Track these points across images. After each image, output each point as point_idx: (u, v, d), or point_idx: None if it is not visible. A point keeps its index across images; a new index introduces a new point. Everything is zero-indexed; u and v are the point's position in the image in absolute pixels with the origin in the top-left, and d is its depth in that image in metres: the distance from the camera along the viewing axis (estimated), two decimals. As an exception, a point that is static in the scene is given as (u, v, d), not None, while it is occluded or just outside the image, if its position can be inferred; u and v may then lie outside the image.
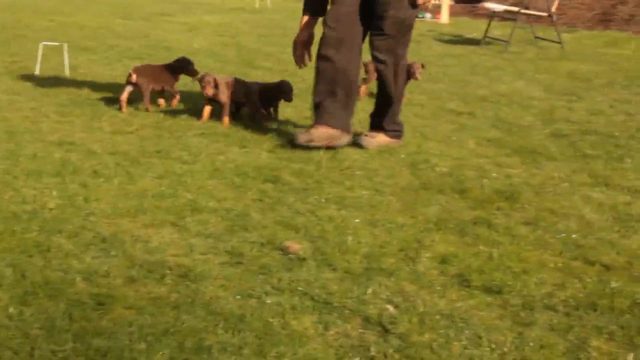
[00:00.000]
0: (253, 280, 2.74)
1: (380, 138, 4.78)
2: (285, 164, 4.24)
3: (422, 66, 5.80)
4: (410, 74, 5.52)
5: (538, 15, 9.86)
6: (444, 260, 3.01)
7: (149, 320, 2.36)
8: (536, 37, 9.98)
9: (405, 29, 4.60)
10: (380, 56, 4.61)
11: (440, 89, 6.72)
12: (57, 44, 6.81)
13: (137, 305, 2.46)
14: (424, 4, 4.57)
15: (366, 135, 4.77)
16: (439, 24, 12.12)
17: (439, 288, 2.77)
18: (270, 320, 2.43)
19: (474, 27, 11.50)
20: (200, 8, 13.83)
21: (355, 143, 4.68)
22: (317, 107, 4.65)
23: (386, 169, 4.24)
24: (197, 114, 5.22)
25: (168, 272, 2.75)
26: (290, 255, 2.98)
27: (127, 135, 4.67)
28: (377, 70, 4.73)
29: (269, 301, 2.56)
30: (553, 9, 9.59)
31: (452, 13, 12.89)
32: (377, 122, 4.84)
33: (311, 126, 4.63)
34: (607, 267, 3.01)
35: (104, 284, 2.62)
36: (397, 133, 4.84)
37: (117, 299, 2.49)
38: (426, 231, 3.34)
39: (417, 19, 12.71)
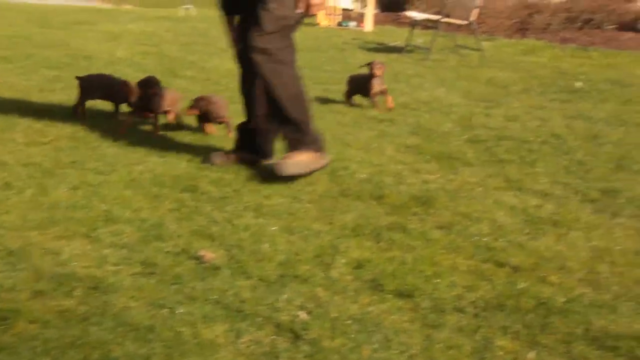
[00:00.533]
0: (166, 290, 2.72)
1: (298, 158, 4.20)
2: (204, 173, 4.21)
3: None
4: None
5: (458, 24, 10.06)
6: (358, 265, 3.05)
7: (55, 334, 2.32)
8: (457, 45, 10.18)
9: (285, 28, 4.10)
10: (254, 53, 4.10)
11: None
12: (-29, 53, 6.64)
13: (42, 319, 2.41)
14: (308, 10, 4.08)
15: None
16: (363, 32, 12.24)
17: (352, 293, 2.79)
18: (181, 329, 2.42)
19: (397, 35, 11.66)
20: (122, 17, 13.65)
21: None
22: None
23: (305, 177, 4.26)
24: (114, 124, 5.15)
25: (78, 284, 2.71)
26: (205, 264, 2.97)
27: (42, 146, 4.57)
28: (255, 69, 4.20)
29: (180, 311, 2.55)
30: (472, 18, 9.80)
31: (376, 21, 13.04)
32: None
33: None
34: (515, 269, 3.09)
35: (9, 298, 2.56)
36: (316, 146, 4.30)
37: (21, 314, 2.43)
38: (342, 237, 3.36)
39: (341, 28, 12.63)
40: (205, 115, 5.18)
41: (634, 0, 13.02)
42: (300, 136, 4.23)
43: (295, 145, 4.22)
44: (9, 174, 3.98)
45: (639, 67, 9.31)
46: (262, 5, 4.05)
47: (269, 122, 4.35)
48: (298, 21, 4.18)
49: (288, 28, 4.14)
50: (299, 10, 4.07)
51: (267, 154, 4.51)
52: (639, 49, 10.57)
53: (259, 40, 4.05)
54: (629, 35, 11.40)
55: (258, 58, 4.08)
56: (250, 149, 4.49)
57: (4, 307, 2.49)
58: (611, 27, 11.88)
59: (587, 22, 11.91)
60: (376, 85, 6.25)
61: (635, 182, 4.40)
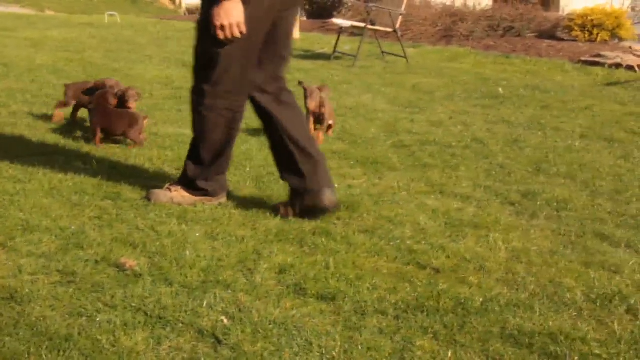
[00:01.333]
0: (85, 299, 2.67)
1: (177, 193, 3.88)
2: (128, 180, 4.16)
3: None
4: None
5: (384, 31, 10.18)
6: (281, 270, 3.05)
7: (-33, 346, 2.26)
8: (383, 52, 10.30)
9: (206, 62, 3.63)
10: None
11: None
12: None
13: (-47, 332, 2.35)
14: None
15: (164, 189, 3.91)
16: (290, 39, 12.29)
17: (274, 298, 2.80)
18: (99, 337, 2.38)
19: (324, 42, 11.73)
20: (44, 23, 13.37)
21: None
22: None
23: (231, 183, 4.24)
24: (36, 133, 5.05)
25: (-8, 295, 2.64)
26: (126, 272, 2.93)
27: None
28: None
29: (99, 319, 2.51)
30: (397, 25, 9.94)
31: (303, 29, 13.09)
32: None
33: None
34: (436, 271, 3.14)
35: None
36: (205, 192, 3.88)
37: None
38: (266, 243, 3.37)
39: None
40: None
41: (552, 9, 13.43)
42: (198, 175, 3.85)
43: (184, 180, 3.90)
44: None
45: (557, 74, 9.58)
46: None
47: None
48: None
49: (209, 61, 3.63)
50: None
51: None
52: (557, 56, 10.88)
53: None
54: (548, 42, 11.73)
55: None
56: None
57: None
58: (531, 34, 12.20)
59: (509, 30, 12.21)
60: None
61: (552, 185, 4.53)
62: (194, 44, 3.70)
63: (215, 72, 3.62)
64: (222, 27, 3.46)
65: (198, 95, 3.71)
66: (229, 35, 3.48)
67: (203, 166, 3.84)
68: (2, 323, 2.43)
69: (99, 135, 4.93)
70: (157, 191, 3.89)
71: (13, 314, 2.51)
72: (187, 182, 3.89)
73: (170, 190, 3.88)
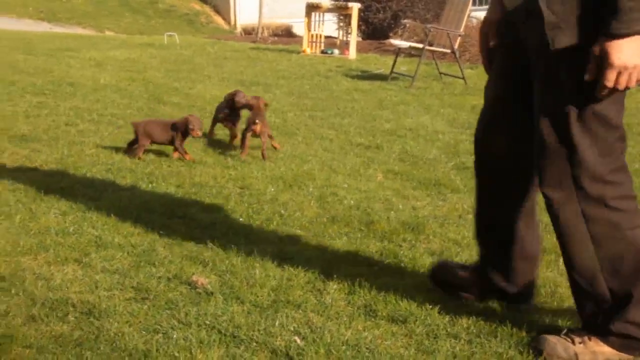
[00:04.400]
0: (159, 315, 2.71)
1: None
2: (193, 199, 4.22)
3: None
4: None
5: (442, 52, 10.16)
6: (351, 291, 3.05)
7: (50, 359, 2.31)
8: (441, 73, 10.27)
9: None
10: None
11: (349, 123, 6.83)
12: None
13: (37, 344, 2.40)
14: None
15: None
16: (346, 59, 12.33)
17: (345, 319, 2.80)
18: (177, 354, 2.41)
19: (381, 63, 11.75)
20: (106, 44, 13.67)
21: None
22: None
23: (295, 203, 4.27)
24: (103, 151, 5.15)
25: (71, 309, 2.70)
26: (198, 290, 2.97)
27: (30, 171, 4.55)
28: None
29: (175, 336, 2.54)
30: (456, 46, 9.91)
31: (359, 49, 13.14)
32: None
33: None
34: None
35: (3, 323, 2.55)
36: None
37: (16, 339, 2.42)
38: (334, 263, 3.37)
39: (325, 55, 12.69)
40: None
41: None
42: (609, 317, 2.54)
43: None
44: (-2, 199, 3.97)
45: None
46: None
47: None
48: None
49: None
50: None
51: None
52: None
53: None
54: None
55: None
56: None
57: (-2, 332, 2.48)
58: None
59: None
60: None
61: None
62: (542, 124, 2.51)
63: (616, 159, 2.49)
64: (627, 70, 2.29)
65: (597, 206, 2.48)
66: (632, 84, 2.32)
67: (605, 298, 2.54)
68: (83, 337, 2.48)
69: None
70: (551, 340, 2.59)
71: (92, 328, 2.56)
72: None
73: (572, 341, 2.57)
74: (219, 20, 23.49)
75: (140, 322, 2.65)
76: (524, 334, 2.72)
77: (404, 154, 5.76)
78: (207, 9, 23.83)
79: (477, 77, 10.54)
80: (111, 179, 4.51)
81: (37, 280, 2.95)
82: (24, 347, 2.38)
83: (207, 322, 2.67)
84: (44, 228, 3.57)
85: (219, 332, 2.61)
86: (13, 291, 2.83)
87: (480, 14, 15.99)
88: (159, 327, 2.62)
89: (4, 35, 13.80)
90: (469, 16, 10.51)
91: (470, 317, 2.84)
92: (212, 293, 2.94)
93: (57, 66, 9.75)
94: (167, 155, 5.20)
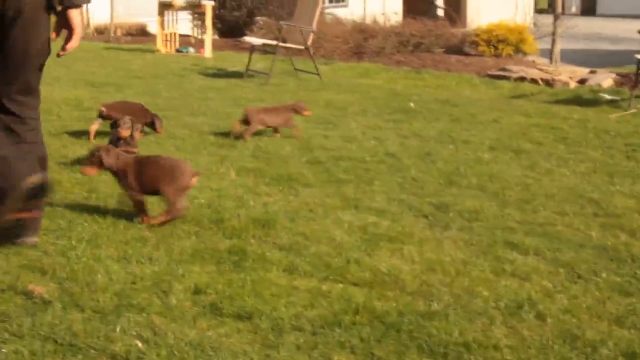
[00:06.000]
0: (-10, 329, 2.58)
1: None
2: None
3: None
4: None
5: (297, 48, 10.23)
6: (197, 291, 3.01)
7: None
8: (296, 69, 10.35)
9: None
10: None
11: (202, 122, 6.75)
12: None
13: None
14: None
15: None
16: (202, 58, 12.21)
17: (190, 319, 2.76)
18: (7, 369, 2.30)
19: (236, 61, 11.70)
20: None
21: None
22: None
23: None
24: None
25: None
26: (35, 299, 2.84)
27: None
28: None
29: (4, 350, 2.42)
30: (309, 42, 10.01)
31: (215, 47, 13.04)
32: None
33: None
34: (353, 285, 3.16)
35: None
36: None
37: None
38: (181, 263, 3.32)
39: (180, 54, 12.45)
40: None
41: (459, 25, 13.81)
42: None
43: None
44: None
45: (466, 88, 9.83)
46: None
47: None
48: None
49: None
50: None
51: None
52: (465, 70, 11.18)
53: None
54: (456, 57, 12.03)
55: None
56: None
57: None
58: (440, 50, 12.49)
59: (418, 45, 12.47)
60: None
61: (464, 196, 4.63)
62: None
63: None
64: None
65: None
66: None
67: None
68: None
69: None
70: None
71: None
72: None
73: None
74: (70, 19, 22.66)
75: (-32, 338, 2.51)
76: (365, 322, 2.78)
77: (257, 151, 5.75)
78: (58, 8, 22.96)
79: (332, 72, 10.72)
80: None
81: None
82: None
83: (43, 333, 2.56)
84: None
85: (55, 342, 2.51)
86: None
87: (335, 10, 16.27)
88: (-12, 341, 2.49)
89: None
90: (322, 13, 10.63)
91: (316, 310, 2.88)
92: (49, 302, 2.82)
93: None
94: None
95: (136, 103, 6.22)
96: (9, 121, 3.41)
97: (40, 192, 3.18)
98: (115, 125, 5.20)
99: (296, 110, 6.35)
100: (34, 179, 3.14)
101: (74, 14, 3.40)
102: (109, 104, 5.99)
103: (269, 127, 6.32)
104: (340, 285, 3.15)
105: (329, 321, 2.77)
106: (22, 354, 2.40)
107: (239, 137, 6.05)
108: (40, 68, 3.52)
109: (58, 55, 3.49)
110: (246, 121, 6.13)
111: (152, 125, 6.01)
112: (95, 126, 5.83)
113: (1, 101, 3.40)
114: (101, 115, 5.78)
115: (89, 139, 5.75)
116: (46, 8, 3.34)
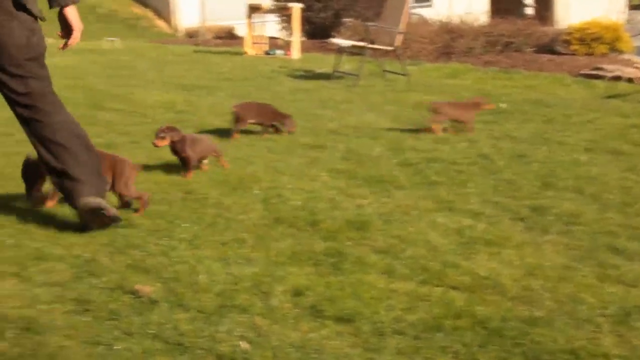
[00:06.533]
0: (101, 327, 2.67)
1: None
2: (136, 205, 4.15)
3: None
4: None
5: (384, 50, 10.21)
6: (297, 292, 3.04)
7: (-12, 378, 2.25)
8: (384, 71, 10.33)
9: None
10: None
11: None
12: None
13: (-26, 364, 2.34)
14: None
15: None
16: (290, 60, 12.32)
17: (292, 321, 2.79)
18: (119, 366, 2.37)
19: (324, 63, 11.76)
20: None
21: None
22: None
23: (239, 206, 4.25)
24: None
25: (9, 325, 2.63)
26: (142, 299, 2.93)
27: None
28: None
29: (117, 347, 2.50)
30: (397, 44, 9.97)
31: (303, 49, 13.15)
32: None
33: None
34: (452, 289, 3.13)
35: (-62, 344, 2.48)
36: None
37: (-48, 358, 2.36)
38: (279, 265, 3.36)
39: (268, 56, 12.59)
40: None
41: (548, 23, 13.50)
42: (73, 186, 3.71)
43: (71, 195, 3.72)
44: None
45: (558, 88, 9.60)
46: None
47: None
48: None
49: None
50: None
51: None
52: (557, 69, 10.92)
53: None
54: (547, 57, 11.77)
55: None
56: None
57: None
58: (530, 49, 12.25)
59: (507, 45, 12.26)
60: None
61: (561, 199, 4.52)
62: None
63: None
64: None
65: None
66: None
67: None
68: (22, 354, 2.42)
69: None
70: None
71: (32, 344, 2.50)
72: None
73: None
74: (160, 24, 23.24)
75: (81, 334, 2.60)
76: (467, 326, 2.75)
77: (348, 152, 5.77)
78: (149, 12, 23.57)
79: (420, 73, 10.65)
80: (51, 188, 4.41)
81: (-26, 296, 2.88)
82: (-40, 366, 2.33)
83: (151, 331, 2.63)
84: (-20, 242, 3.48)
85: (163, 340, 2.57)
86: (-52, 308, 2.76)
87: (422, 10, 16.17)
88: (100, 338, 2.57)
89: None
90: (409, 13, 10.57)
91: (416, 313, 2.86)
92: (156, 301, 2.90)
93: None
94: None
95: (266, 104, 6.56)
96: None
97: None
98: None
99: (479, 106, 6.66)
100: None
101: (69, 12, 3.74)
102: (240, 104, 6.34)
103: (453, 120, 6.60)
104: (439, 289, 3.13)
105: (429, 325, 2.76)
106: (133, 352, 2.47)
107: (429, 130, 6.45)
108: (33, 60, 3.70)
109: (61, 49, 3.86)
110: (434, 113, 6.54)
111: (281, 125, 6.33)
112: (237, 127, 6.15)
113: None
114: (236, 116, 6.11)
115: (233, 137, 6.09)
116: (16, 7, 3.60)
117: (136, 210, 4.08)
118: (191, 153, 4.93)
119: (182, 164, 4.98)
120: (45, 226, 3.74)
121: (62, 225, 3.77)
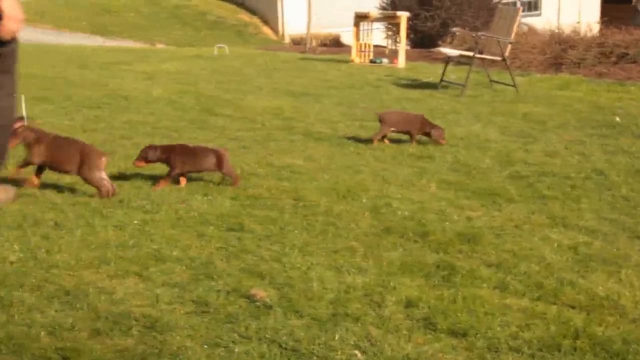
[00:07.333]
0: (220, 329, 2.74)
1: None
2: (248, 211, 4.25)
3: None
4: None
5: (491, 59, 10.07)
6: (409, 304, 3.04)
7: (116, 374, 2.35)
8: (491, 81, 10.18)
9: None
10: None
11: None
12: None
13: (103, 358, 2.44)
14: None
15: None
16: (395, 68, 12.30)
17: (405, 332, 2.79)
18: (239, 369, 2.43)
19: (430, 71, 11.69)
20: (157, 56, 13.86)
21: None
22: None
23: (349, 214, 4.27)
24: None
25: (134, 323, 2.74)
26: (257, 303, 2.99)
27: (88, 185, 4.63)
28: None
29: (237, 350, 2.56)
30: (506, 54, 9.82)
31: (408, 58, 13.10)
32: None
33: None
34: (569, 307, 3.06)
35: (69, 337, 2.60)
36: None
37: (82, 353, 2.47)
38: (390, 275, 3.36)
39: (374, 64, 12.58)
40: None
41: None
42: None
43: None
44: (59, 213, 4.05)
45: (676, 101, 9.22)
46: None
47: None
48: None
49: None
50: None
51: None
52: (675, 82, 10.48)
53: None
54: (665, 69, 11.32)
55: None
56: None
57: (65, 345, 2.52)
58: (646, 61, 11.79)
59: (622, 56, 11.86)
60: None
61: (682, 218, 4.35)
62: None
63: None
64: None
65: None
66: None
67: None
68: (146, 352, 2.52)
69: None
70: None
71: (155, 342, 2.59)
72: None
73: None
74: (267, 30, 23.67)
75: (201, 335, 2.67)
76: (586, 348, 2.68)
77: (456, 163, 5.71)
78: (256, 20, 24.02)
79: (528, 84, 10.43)
80: (166, 191, 4.56)
81: (100, 293, 3.00)
82: (91, 361, 2.43)
83: (268, 336, 2.68)
84: (104, 242, 3.63)
85: (280, 346, 2.62)
86: (77, 305, 2.89)
87: (530, 19, 15.86)
88: (220, 340, 2.64)
89: (60, 50, 14.10)
90: (519, 23, 10.37)
91: (532, 331, 2.81)
92: (270, 306, 2.95)
93: (111, 80, 9.92)
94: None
95: (416, 114, 6.67)
96: None
97: None
98: None
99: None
100: None
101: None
102: (385, 112, 6.67)
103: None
104: (555, 307, 3.06)
105: (547, 344, 2.70)
106: (252, 356, 2.52)
107: None
108: None
109: None
110: None
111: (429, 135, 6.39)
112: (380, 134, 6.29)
113: None
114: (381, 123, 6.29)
115: (373, 143, 6.26)
116: None
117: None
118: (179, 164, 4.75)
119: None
120: (162, 228, 3.86)
121: (177, 228, 3.89)
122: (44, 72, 10.39)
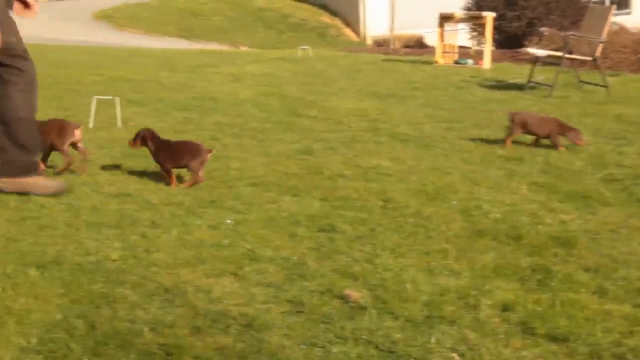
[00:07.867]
0: (316, 329, 2.75)
1: None
2: (338, 212, 4.26)
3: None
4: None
5: (579, 60, 9.83)
6: (505, 307, 2.99)
7: (218, 370, 2.39)
8: (580, 81, 9.94)
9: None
10: None
11: (487, 134, 6.72)
12: (110, 97, 6.93)
13: (204, 356, 2.49)
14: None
15: None
16: (480, 69, 12.15)
17: (502, 336, 2.75)
18: (337, 369, 2.44)
19: (516, 72, 11.50)
20: (242, 59, 14.06)
21: None
22: None
23: (439, 216, 4.24)
24: (247, 164, 5.29)
25: (232, 321, 2.78)
26: (351, 304, 2.99)
27: (181, 186, 4.74)
28: None
29: (334, 350, 2.57)
30: (597, 54, 9.56)
31: (493, 59, 12.92)
32: None
33: None
34: (673, 315, 2.96)
35: (171, 334, 2.66)
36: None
37: (184, 349, 2.52)
38: (484, 278, 3.32)
39: (459, 65, 12.50)
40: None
41: None
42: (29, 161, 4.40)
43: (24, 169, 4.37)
44: (155, 212, 4.15)
45: None
46: None
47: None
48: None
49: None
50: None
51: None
52: None
53: None
54: None
55: None
56: None
57: (167, 342, 2.58)
58: None
59: None
60: None
61: None
62: None
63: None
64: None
65: None
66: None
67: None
68: (246, 350, 2.55)
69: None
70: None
71: (254, 341, 2.63)
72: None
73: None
74: (348, 32, 23.71)
75: (298, 335, 2.69)
76: (695, 357, 2.59)
77: (547, 165, 5.60)
78: (337, 21, 24.10)
79: (620, 84, 10.15)
80: (257, 192, 4.62)
81: (198, 292, 3.06)
82: (193, 357, 2.48)
83: (364, 337, 2.68)
84: (199, 241, 3.70)
85: (376, 347, 2.62)
86: (177, 302, 2.95)
87: (622, 18, 15.41)
88: (316, 340, 2.66)
89: (150, 54, 14.46)
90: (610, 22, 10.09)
91: (636, 338, 2.73)
92: (365, 307, 2.96)
93: (198, 82, 10.12)
94: (306, 168, 5.27)
95: (550, 117, 6.59)
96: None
97: None
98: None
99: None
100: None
101: None
102: (518, 112, 6.56)
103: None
104: (658, 314, 2.96)
105: (652, 352, 2.62)
106: (349, 357, 2.53)
107: None
108: None
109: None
110: None
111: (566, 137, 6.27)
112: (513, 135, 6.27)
113: None
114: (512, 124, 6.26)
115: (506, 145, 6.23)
116: None
117: None
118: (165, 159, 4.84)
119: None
120: (254, 228, 3.91)
121: (269, 228, 3.93)
122: (134, 75, 10.68)
